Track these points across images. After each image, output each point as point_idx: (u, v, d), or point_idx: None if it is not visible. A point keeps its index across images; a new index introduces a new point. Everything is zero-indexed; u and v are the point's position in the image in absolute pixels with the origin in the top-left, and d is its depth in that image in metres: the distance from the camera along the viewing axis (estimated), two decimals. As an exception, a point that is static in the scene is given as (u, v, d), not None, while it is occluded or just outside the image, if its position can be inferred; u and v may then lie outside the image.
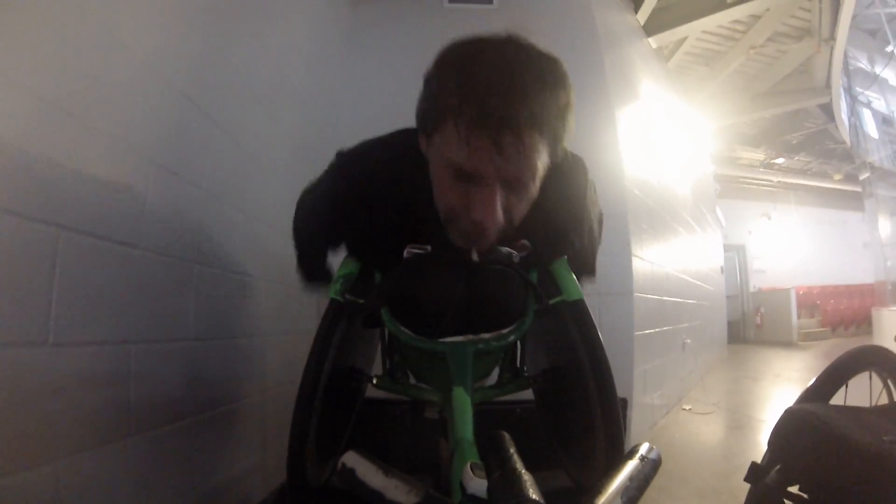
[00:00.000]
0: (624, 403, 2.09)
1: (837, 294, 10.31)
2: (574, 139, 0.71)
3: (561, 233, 0.92)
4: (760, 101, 5.88)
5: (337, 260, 1.00)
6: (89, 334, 0.84)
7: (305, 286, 1.06)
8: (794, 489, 0.95)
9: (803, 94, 5.96)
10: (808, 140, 9.46)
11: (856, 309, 10.00)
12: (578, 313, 0.92)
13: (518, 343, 1.12)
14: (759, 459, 1.05)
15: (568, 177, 0.85)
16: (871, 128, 8.71)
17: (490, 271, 0.91)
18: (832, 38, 4.62)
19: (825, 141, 9.31)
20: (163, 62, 1.04)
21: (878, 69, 8.65)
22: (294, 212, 0.99)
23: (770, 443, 1.02)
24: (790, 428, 0.99)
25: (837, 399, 1.12)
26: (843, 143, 8.45)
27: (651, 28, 3.77)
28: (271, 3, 1.60)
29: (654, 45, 3.97)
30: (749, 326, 9.72)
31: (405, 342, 0.93)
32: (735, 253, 10.29)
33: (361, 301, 0.93)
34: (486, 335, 0.91)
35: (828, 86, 5.78)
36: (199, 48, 1.18)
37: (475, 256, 0.79)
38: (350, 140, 0.89)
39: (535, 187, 0.69)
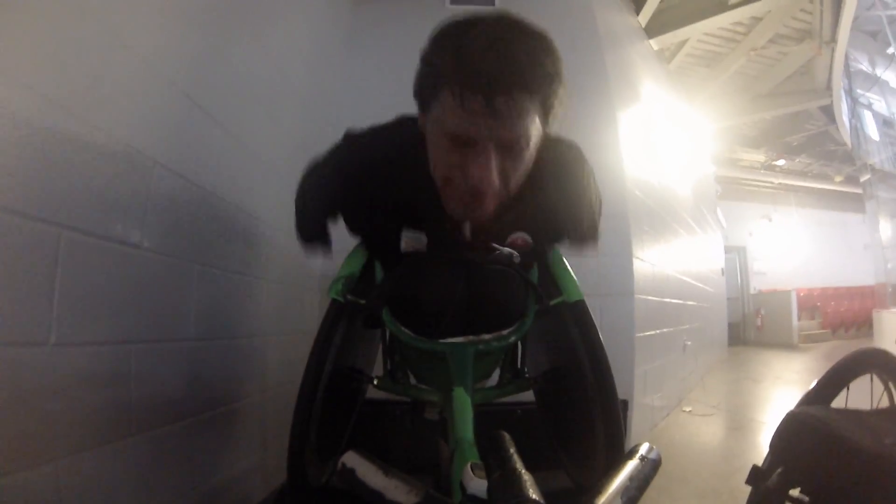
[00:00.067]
0: (624, 405, 2.09)
1: (838, 296, 10.30)
2: (568, 115, 0.73)
3: (560, 219, 0.93)
4: (761, 102, 5.88)
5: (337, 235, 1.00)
6: (90, 334, 0.84)
7: (304, 247, 1.06)
8: (795, 492, 0.95)
9: (804, 95, 5.96)
10: (808, 142, 9.46)
11: (856, 311, 9.99)
12: (579, 314, 0.92)
13: (518, 344, 1.12)
14: (759, 462, 1.04)
15: (564, 161, 0.86)
16: (871, 130, 8.71)
17: (490, 272, 0.91)
18: (833, 39, 4.62)
19: (826, 143, 9.31)
20: (164, 62, 1.04)
21: (878, 71, 8.65)
22: (300, 180, 0.99)
23: (771, 445, 1.02)
24: (792, 431, 0.99)
25: (838, 402, 1.12)
26: (844, 144, 8.45)
27: (652, 30, 3.78)
28: (272, 3, 1.60)
29: (655, 47, 3.97)
30: (749, 328, 9.71)
31: (406, 342, 0.93)
32: (736, 254, 10.29)
33: (362, 301, 0.93)
34: (486, 336, 0.91)
35: (829, 87, 5.78)
36: (200, 48, 1.18)
37: (467, 231, 0.82)
38: (350, 140, 0.90)
39: (528, 154, 0.71)
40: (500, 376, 1.19)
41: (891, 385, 1.16)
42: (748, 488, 1.04)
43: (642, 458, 0.57)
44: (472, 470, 0.52)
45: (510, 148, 0.69)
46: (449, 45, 0.67)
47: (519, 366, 1.17)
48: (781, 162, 10.20)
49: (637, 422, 2.33)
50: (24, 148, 0.72)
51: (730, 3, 3.69)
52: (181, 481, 1.11)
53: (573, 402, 0.95)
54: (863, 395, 1.17)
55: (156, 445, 1.01)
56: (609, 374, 0.85)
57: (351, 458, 0.56)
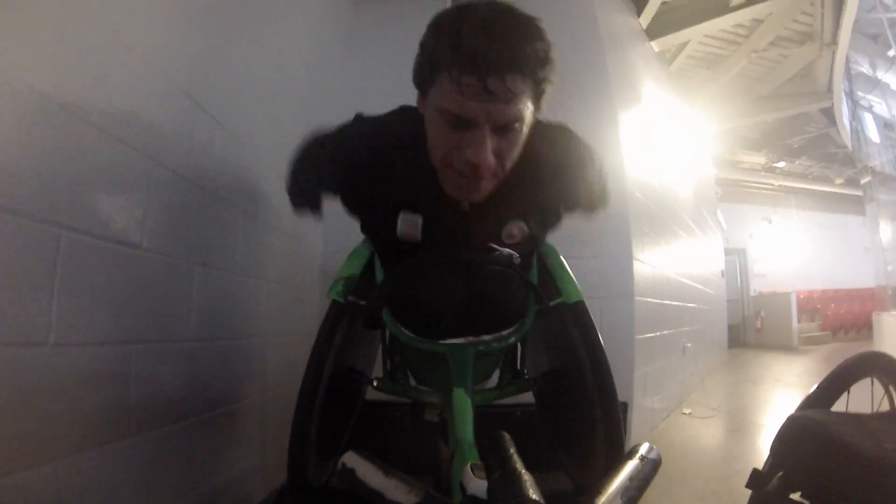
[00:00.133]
0: (624, 407, 2.08)
1: (838, 298, 10.29)
2: (562, 99, 0.78)
3: (559, 196, 0.95)
4: (762, 104, 5.88)
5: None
6: (90, 334, 0.85)
7: (295, 211, 1.08)
8: (795, 496, 0.95)
9: (805, 98, 5.96)
10: (809, 144, 9.46)
11: (856, 313, 9.98)
12: (578, 314, 0.92)
13: (518, 345, 1.12)
14: (758, 464, 1.04)
15: (554, 141, 0.88)
16: (872, 132, 8.71)
17: (490, 272, 0.91)
18: (834, 42, 4.62)
19: (826, 145, 9.30)
20: (165, 62, 1.04)
21: (879, 73, 8.66)
22: (302, 147, 1.01)
23: (772, 449, 1.02)
24: (792, 435, 0.99)
25: (839, 405, 1.11)
26: (845, 147, 8.44)
27: (653, 31, 3.78)
28: (272, 3, 1.61)
29: (656, 49, 3.98)
30: (749, 330, 9.70)
31: (406, 343, 0.93)
32: (736, 257, 10.28)
33: (362, 302, 0.93)
34: (486, 337, 0.92)
35: (829, 90, 5.78)
36: (201, 48, 1.18)
37: (465, 206, 0.84)
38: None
39: (521, 134, 0.75)
40: (500, 377, 1.19)
41: (891, 389, 1.16)
42: (748, 491, 1.03)
43: (642, 458, 0.57)
44: (472, 470, 0.52)
45: (505, 129, 0.72)
46: (446, 31, 0.71)
47: (519, 367, 1.17)
48: (782, 164, 10.20)
49: (637, 424, 2.32)
50: (24, 148, 0.72)
51: (731, 5, 3.69)
52: (181, 482, 1.11)
53: (573, 403, 0.95)
54: (863, 398, 1.17)
55: (156, 446, 1.01)
56: (609, 375, 0.85)
57: (351, 459, 0.56)
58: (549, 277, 1.01)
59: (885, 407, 1.16)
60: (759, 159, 9.91)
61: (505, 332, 0.93)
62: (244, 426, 1.42)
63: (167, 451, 1.05)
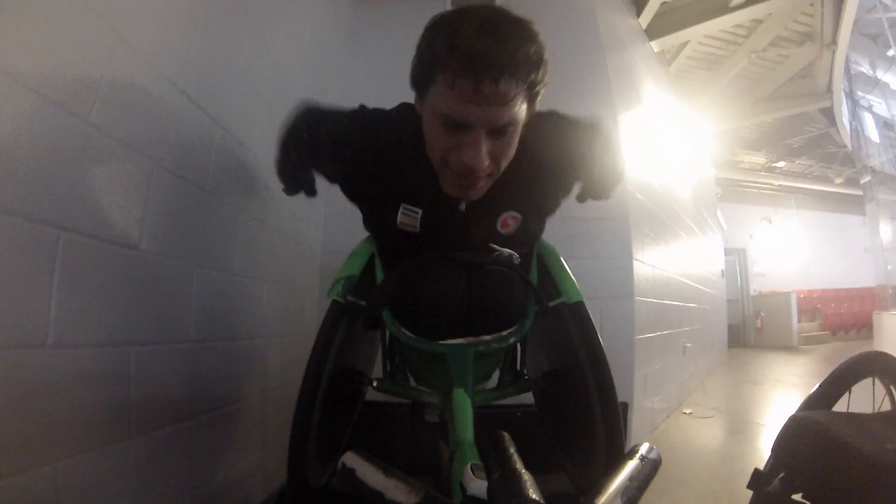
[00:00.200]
0: (624, 407, 2.08)
1: (838, 298, 10.30)
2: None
3: (552, 194, 0.97)
4: (762, 105, 5.88)
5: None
6: (89, 336, 0.84)
7: (287, 191, 1.08)
8: (797, 497, 0.95)
9: (805, 98, 5.96)
10: (809, 144, 9.45)
11: (856, 313, 9.99)
12: (578, 315, 0.93)
13: (518, 345, 1.12)
14: (759, 465, 1.04)
15: (546, 133, 0.89)
16: (872, 132, 8.71)
17: (490, 273, 0.91)
18: (834, 42, 4.62)
19: (826, 145, 9.30)
20: (165, 62, 1.04)
21: (879, 73, 8.66)
22: (296, 122, 1.00)
23: (773, 450, 1.02)
24: (793, 435, 0.99)
25: (840, 405, 1.11)
26: (845, 147, 8.45)
27: (653, 32, 3.78)
28: (272, 4, 1.60)
29: (656, 49, 3.98)
30: (749, 330, 9.70)
31: (406, 344, 0.93)
32: (736, 256, 10.28)
33: (362, 303, 0.93)
34: (486, 337, 0.91)
35: (829, 90, 5.79)
36: (201, 48, 1.18)
37: (463, 207, 0.87)
38: (351, 141, 0.90)
39: (516, 135, 0.77)
40: (500, 378, 1.19)
41: (892, 389, 1.16)
42: (749, 492, 1.03)
43: (642, 458, 0.57)
44: (472, 470, 0.52)
45: (500, 131, 0.74)
46: (442, 34, 0.72)
47: (519, 367, 1.17)
48: (782, 164, 10.20)
49: (637, 424, 2.32)
50: (23, 148, 0.71)
51: (730, 5, 3.70)
52: (181, 483, 1.11)
53: (573, 403, 0.95)
54: (864, 398, 1.17)
55: (155, 447, 1.01)
56: (609, 375, 0.85)
57: (351, 459, 0.55)
58: (549, 278, 1.01)
59: (887, 406, 1.16)
60: (759, 159, 9.91)
61: (505, 333, 0.93)
62: (244, 427, 1.42)
63: (167, 453, 1.05)
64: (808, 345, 8.78)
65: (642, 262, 2.51)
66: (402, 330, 0.92)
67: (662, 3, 3.56)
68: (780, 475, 0.99)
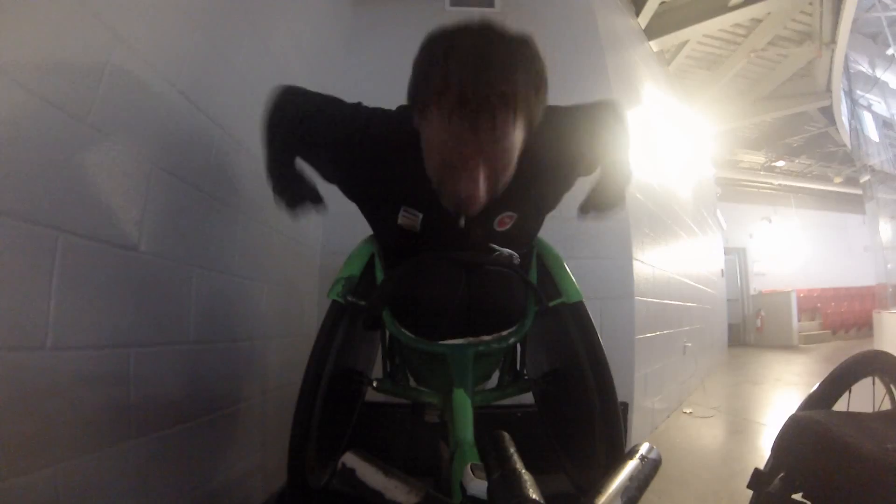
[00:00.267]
0: (624, 407, 2.08)
1: (838, 297, 10.30)
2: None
3: (552, 193, 0.96)
4: (761, 104, 5.88)
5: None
6: (88, 337, 0.84)
7: (289, 204, 1.03)
8: (797, 496, 0.95)
9: (804, 97, 5.96)
10: (808, 143, 9.46)
11: (856, 312, 9.99)
12: (578, 315, 0.93)
13: (518, 345, 1.12)
14: (760, 464, 1.04)
15: (546, 136, 0.86)
16: (871, 131, 8.72)
17: (490, 273, 0.91)
18: (833, 41, 4.62)
19: (826, 144, 9.31)
20: (164, 63, 1.04)
21: (878, 73, 8.66)
22: (276, 115, 0.95)
23: (773, 450, 1.02)
24: (794, 435, 0.99)
25: (841, 404, 1.12)
26: (844, 146, 8.45)
27: (652, 31, 3.78)
28: (272, 4, 1.61)
29: (655, 49, 3.98)
30: (749, 330, 9.70)
31: (406, 344, 0.93)
32: (736, 256, 10.29)
33: (362, 303, 0.93)
34: (486, 337, 0.91)
35: (829, 89, 5.78)
36: (201, 48, 1.18)
37: (462, 223, 0.87)
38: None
39: (514, 160, 0.76)
40: (500, 378, 1.19)
41: (892, 388, 1.16)
42: (749, 492, 1.03)
43: (642, 458, 0.57)
44: (472, 471, 0.52)
45: (496, 160, 0.73)
46: (436, 65, 0.69)
47: (519, 367, 1.17)
48: (781, 163, 10.21)
49: (637, 424, 2.32)
50: (22, 149, 0.71)
51: (729, 4, 3.70)
52: (181, 484, 1.11)
53: (573, 403, 0.95)
54: (865, 397, 1.17)
55: (155, 448, 1.01)
56: (608, 375, 0.85)
57: (351, 459, 0.55)
58: (549, 278, 1.01)
59: (887, 405, 1.16)
60: (759, 159, 9.92)
61: (505, 333, 0.93)
62: (244, 428, 1.42)
63: (167, 453, 1.05)
64: (809, 344, 8.79)
65: (642, 262, 2.51)
66: (402, 330, 0.92)
67: (661, 3, 3.56)
68: (781, 475, 0.99)
